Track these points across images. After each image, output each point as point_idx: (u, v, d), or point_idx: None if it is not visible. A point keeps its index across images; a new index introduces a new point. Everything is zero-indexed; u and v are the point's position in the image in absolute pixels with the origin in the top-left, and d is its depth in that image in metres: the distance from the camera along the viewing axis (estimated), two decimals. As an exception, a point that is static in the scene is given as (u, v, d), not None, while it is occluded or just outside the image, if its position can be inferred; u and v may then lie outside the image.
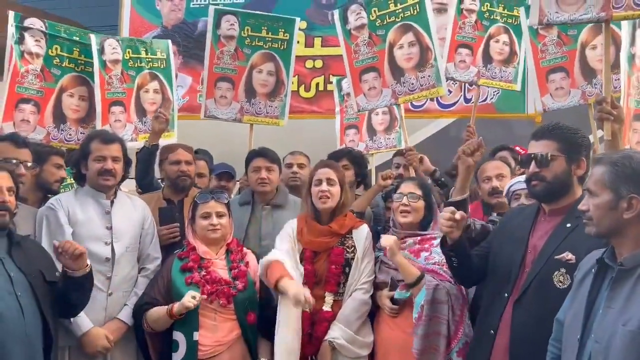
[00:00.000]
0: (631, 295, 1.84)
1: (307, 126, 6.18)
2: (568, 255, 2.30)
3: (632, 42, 3.42)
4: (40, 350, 2.51)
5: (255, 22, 4.68)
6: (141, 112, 4.48)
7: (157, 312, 2.94)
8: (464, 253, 2.61)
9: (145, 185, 3.91)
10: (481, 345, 2.53)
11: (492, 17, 4.76)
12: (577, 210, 2.33)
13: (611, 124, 2.71)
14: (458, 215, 2.51)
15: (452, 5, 4.83)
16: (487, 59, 4.74)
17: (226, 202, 3.14)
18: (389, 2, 4.15)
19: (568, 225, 2.38)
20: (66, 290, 2.65)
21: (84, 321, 2.93)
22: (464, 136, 4.35)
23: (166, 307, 2.91)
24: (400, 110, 4.36)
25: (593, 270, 1.99)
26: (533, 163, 2.45)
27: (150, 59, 4.57)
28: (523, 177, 3.12)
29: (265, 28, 4.68)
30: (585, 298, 1.96)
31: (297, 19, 4.79)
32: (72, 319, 2.88)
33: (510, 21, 4.79)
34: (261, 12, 5.00)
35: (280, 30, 4.69)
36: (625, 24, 3.34)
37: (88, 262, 2.67)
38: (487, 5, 4.76)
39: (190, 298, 2.84)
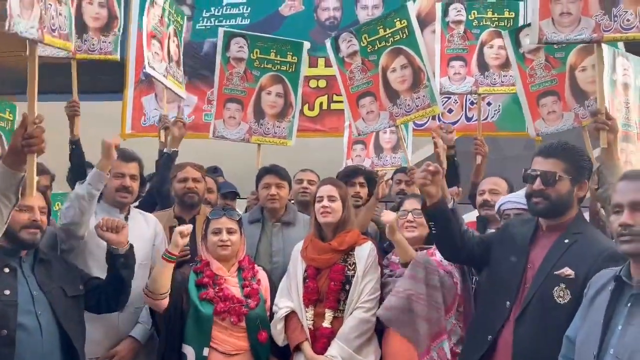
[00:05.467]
0: None
1: (311, 145, 6.24)
2: (567, 271, 2.34)
3: (614, 69, 3.53)
4: None
5: (264, 45, 4.73)
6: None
7: (157, 267, 2.99)
8: (443, 219, 2.64)
9: (162, 194, 3.91)
10: (476, 347, 2.54)
11: (482, 24, 4.75)
12: (575, 227, 2.45)
13: (607, 134, 2.83)
14: (432, 167, 2.56)
15: (437, 20, 4.85)
16: (484, 66, 4.70)
17: (238, 219, 3.19)
18: (379, 28, 4.17)
19: (566, 241, 2.43)
20: (116, 272, 2.79)
21: None
22: (473, 149, 4.39)
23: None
24: (401, 130, 4.42)
25: (610, 287, 2.00)
26: (539, 180, 2.46)
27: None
28: (511, 197, 3.21)
29: (274, 51, 4.73)
30: (602, 315, 1.97)
31: (307, 43, 4.84)
32: None
33: (503, 24, 4.73)
34: (270, 35, 5.07)
35: (288, 53, 4.74)
36: (606, 52, 3.42)
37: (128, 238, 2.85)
38: (474, 14, 4.76)
39: (178, 234, 2.91)
